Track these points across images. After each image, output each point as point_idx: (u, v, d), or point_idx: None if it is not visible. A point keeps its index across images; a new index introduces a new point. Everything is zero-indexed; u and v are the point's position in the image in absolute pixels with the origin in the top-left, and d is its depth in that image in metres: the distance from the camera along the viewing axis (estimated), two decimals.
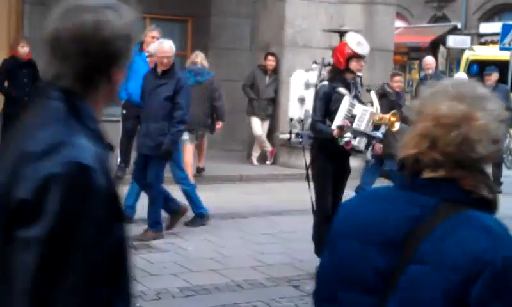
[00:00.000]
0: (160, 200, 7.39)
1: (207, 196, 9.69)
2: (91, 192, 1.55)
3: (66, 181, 1.53)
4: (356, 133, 6.20)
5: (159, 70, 7.49)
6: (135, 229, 7.45)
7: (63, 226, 1.51)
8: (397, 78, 9.91)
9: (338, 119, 6.19)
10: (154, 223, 7.30)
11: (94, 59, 1.68)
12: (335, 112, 6.22)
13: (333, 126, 6.18)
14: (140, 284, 5.88)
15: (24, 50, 9.84)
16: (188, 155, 9.85)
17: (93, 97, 1.71)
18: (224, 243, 7.27)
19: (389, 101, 9.39)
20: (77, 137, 1.60)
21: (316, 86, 6.47)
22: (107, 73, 1.72)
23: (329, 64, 6.57)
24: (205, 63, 10.69)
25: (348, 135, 6.13)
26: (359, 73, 6.43)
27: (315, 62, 6.56)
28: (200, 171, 10.86)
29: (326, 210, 6.21)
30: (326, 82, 6.37)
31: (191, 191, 8.19)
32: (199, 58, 10.61)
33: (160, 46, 7.59)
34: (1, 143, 1.78)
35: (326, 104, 6.23)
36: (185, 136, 10.03)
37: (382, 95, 9.49)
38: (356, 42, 6.28)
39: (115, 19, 1.69)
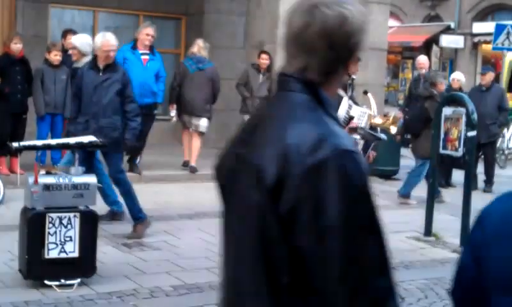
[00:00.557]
0: (132, 190, 7.30)
1: (200, 194, 9.70)
2: (361, 174, 1.69)
3: (341, 168, 1.66)
4: (366, 135, 6.21)
5: (101, 64, 7.24)
6: (126, 227, 7.45)
7: (349, 210, 1.65)
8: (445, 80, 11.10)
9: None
10: (137, 214, 7.25)
11: (338, 51, 1.79)
12: None
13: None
14: (133, 282, 5.89)
15: (17, 47, 9.79)
16: (186, 138, 11.07)
17: (329, 86, 1.84)
18: (217, 241, 7.22)
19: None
20: (333, 126, 1.75)
21: None
22: (346, 64, 1.84)
23: None
24: (204, 52, 11.02)
25: (354, 136, 6.16)
26: (353, 76, 6.44)
27: None
28: (193, 170, 10.91)
29: None
30: None
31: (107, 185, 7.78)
32: (196, 48, 11.03)
33: (106, 39, 7.27)
34: (245, 130, 1.92)
35: None
36: (186, 119, 10.91)
37: (429, 97, 9.91)
38: None
39: (355, 14, 1.80)
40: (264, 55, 11.94)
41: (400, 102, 21.39)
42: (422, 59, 12.79)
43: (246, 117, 12.00)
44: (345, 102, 6.24)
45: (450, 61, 28.04)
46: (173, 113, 11.18)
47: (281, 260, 1.70)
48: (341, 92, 6.30)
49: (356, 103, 6.44)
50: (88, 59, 8.05)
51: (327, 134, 1.70)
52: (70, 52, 8.59)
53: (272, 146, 1.72)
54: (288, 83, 1.82)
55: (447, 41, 26.77)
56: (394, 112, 11.72)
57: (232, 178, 1.86)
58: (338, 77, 1.85)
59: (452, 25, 27.70)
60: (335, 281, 1.66)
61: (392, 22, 24.13)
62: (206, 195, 9.64)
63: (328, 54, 1.78)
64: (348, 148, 1.70)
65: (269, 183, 1.69)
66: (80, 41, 8.48)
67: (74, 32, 10.55)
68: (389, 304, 1.71)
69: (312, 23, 1.78)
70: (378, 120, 6.38)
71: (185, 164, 11.16)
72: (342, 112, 6.22)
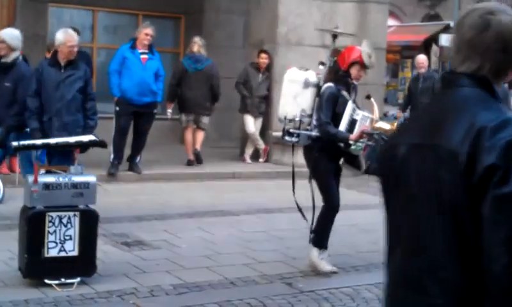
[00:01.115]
0: None
1: (200, 193, 9.71)
2: None
3: None
4: (380, 141, 6.22)
5: (63, 61, 7.17)
6: None
7: None
8: None
9: (343, 124, 6.20)
10: None
11: (510, 54, 2.02)
12: (339, 115, 6.22)
13: (342, 128, 6.19)
14: (133, 281, 5.89)
15: None
16: (188, 134, 11.23)
17: (497, 84, 2.05)
18: (217, 240, 7.27)
19: None
20: (510, 113, 1.96)
21: (319, 86, 6.40)
22: None
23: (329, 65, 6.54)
24: (202, 51, 11.10)
25: (363, 140, 6.20)
26: (355, 82, 6.41)
27: (322, 63, 6.43)
28: (198, 159, 11.07)
29: (337, 201, 6.28)
30: (331, 84, 6.33)
31: None
32: (195, 47, 11.10)
33: (69, 34, 7.19)
34: (416, 124, 2.15)
35: (333, 106, 6.23)
36: (184, 117, 10.98)
37: None
38: (368, 54, 6.28)
39: None
40: (263, 55, 11.94)
41: (400, 101, 21.41)
42: (421, 58, 12.80)
43: (246, 116, 12.01)
44: (350, 105, 6.25)
45: (449, 60, 28.04)
46: (170, 111, 11.25)
47: (471, 228, 1.88)
48: (346, 94, 6.30)
49: (358, 107, 6.44)
50: (16, 54, 7.94)
51: (510, 119, 1.92)
52: None
53: (461, 130, 1.92)
54: (459, 80, 2.04)
55: (446, 40, 26.74)
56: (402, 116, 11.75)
57: (407, 166, 2.05)
58: (506, 77, 2.07)
59: (452, 24, 27.67)
60: (499, 243, 1.82)
61: (391, 22, 24.15)
62: (206, 194, 9.66)
63: (502, 56, 2.01)
64: None
65: (462, 161, 1.89)
66: (10, 35, 8.12)
67: (78, 31, 10.55)
68: None
69: (488, 28, 1.99)
70: (386, 126, 6.40)
71: (190, 163, 11.18)
72: (347, 116, 6.23)
